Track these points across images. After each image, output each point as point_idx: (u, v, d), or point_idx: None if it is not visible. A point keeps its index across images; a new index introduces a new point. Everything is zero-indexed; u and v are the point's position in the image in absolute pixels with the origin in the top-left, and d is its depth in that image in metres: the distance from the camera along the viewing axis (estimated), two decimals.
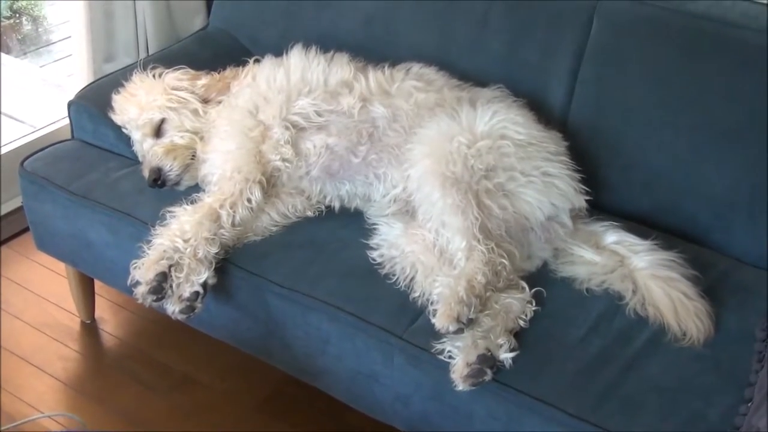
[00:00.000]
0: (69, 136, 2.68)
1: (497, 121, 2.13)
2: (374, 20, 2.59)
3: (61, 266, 2.79)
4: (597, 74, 2.29)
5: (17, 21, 4.93)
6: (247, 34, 2.82)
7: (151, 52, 3.00)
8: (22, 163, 2.51)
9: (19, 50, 4.90)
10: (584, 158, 2.23)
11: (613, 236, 2.11)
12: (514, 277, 2.01)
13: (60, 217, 2.44)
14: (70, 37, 4.85)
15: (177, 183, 2.32)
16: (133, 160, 2.46)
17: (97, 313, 2.78)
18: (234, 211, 2.13)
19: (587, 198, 2.14)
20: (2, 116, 3.86)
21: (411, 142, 2.17)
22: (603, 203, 2.26)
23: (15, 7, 4.85)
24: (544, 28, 2.34)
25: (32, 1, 4.95)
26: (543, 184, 2.08)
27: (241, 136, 2.24)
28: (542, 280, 2.04)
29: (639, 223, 2.20)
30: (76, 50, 3.01)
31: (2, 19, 4.75)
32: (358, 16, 2.62)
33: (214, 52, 2.74)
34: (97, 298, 2.76)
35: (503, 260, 1.99)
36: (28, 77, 4.40)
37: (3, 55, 4.56)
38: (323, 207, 2.28)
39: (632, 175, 2.26)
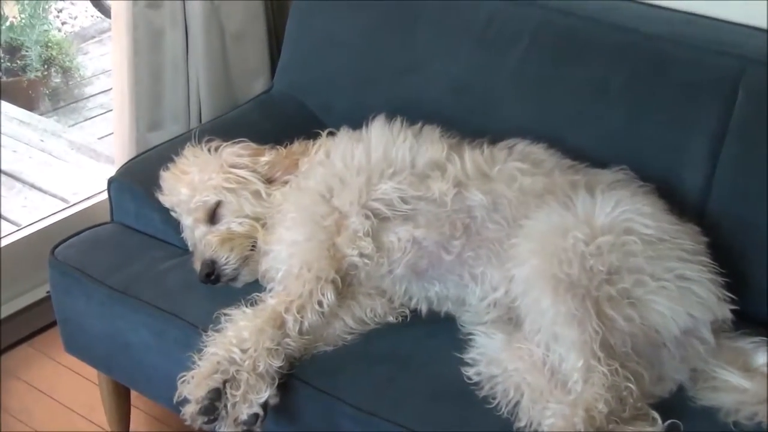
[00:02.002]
0: (106, 216, 2.77)
1: (621, 212, 2.12)
2: (467, 87, 2.64)
3: (91, 371, 2.83)
4: (742, 155, 2.27)
5: (45, 73, 5.12)
6: (318, 101, 2.89)
7: (204, 120, 3.09)
8: (53, 251, 2.58)
9: (47, 106, 5.11)
10: (728, 258, 2.20)
11: (766, 356, 2.06)
12: (642, 404, 1.97)
13: (95, 316, 2.50)
14: (105, 91, 5.12)
15: (234, 279, 2.35)
16: (183, 250, 2.51)
17: (132, 427, 2.81)
18: (302, 317, 2.15)
19: (733, 307, 2.10)
20: (25, 186, 4.01)
21: (515, 236, 2.17)
22: (752, 314, 2.22)
23: (45, 55, 5.05)
24: (675, 100, 2.35)
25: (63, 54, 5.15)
26: (678, 290, 2.05)
27: (312, 225, 2.27)
28: (677, 410, 2.00)
29: None
30: (117, 116, 3.12)
31: (31, 71, 4.94)
32: (447, 82, 2.67)
33: (279, 121, 2.82)
34: (132, 409, 2.79)
35: (629, 384, 1.96)
36: (55, 140, 4.57)
37: (27, 112, 4.75)
38: (408, 311, 2.29)
39: None
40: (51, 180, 4.18)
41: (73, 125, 4.93)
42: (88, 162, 4.43)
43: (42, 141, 4.52)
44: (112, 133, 4.58)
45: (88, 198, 3.48)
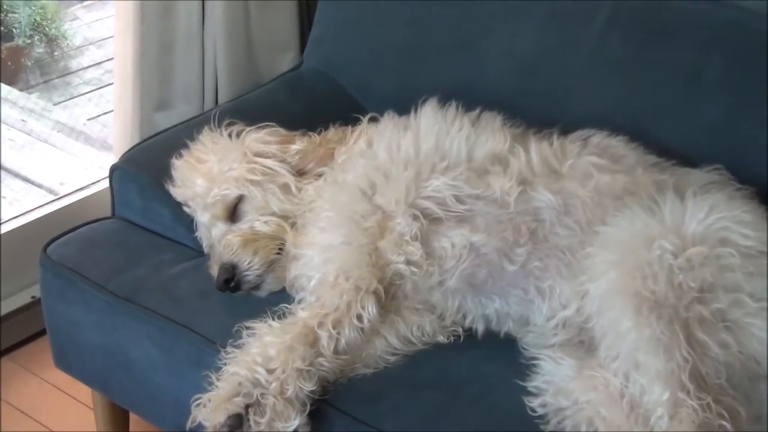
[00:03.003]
0: (101, 210, 2.81)
1: (715, 220, 2.12)
2: (534, 69, 2.66)
3: (85, 391, 2.85)
4: None
5: (28, 42, 5.13)
6: (356, 80, 2.91)
7: (221, 100, 3.11)
8: (45, 249, 2.61)
9: (29, 81, 5.14)
10: None
11: None
12: None
13: (92, 325, 2.52)
14: (96, 64, 5.15)
15: (257, 287, 2.37)
16: (197, 252, 2.54)
17: None
18: (338, 333, 2.15)
19: None
20: (4, 174, 4.04)
21: (590, 244, 2.18)
22: None
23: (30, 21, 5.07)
24: None
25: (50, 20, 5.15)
26: None
27: (351, 227, 2.28)
28: None
29: None
30: (118, 93, 3.14)
31: (19, 35, 4.95)
32: (510, 62, 2.68)
33: (310, 103, 2.85)
34: None
35: (723, 422, 1.95)
36: (39, 120, 4.61)
37: (6, 87, 4.78)
38: (461, 331, 2.30)
39: None
40: (34, 167, 4.21)
41: (59, 103, 4.96)
42: (76, 147, 4.47)
43: (23, 121, 4.56)
44: (104, 113, 4.69)
45: (81, 189, 3.52)
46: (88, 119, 4.75)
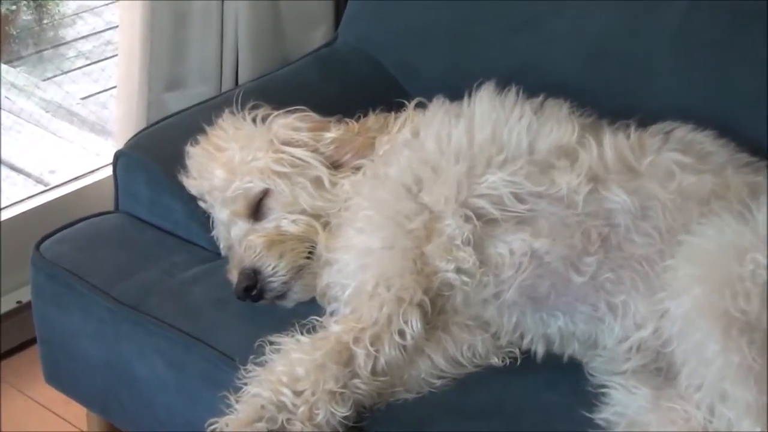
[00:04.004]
0: (100, 204, 2.87)
1: None
2: (606, 52, 2.67)
3: (77, 411, 2.88)
4: None
5: (13, 8, 5.14)
6: (399, 59, 2.93)
7: (241, 80, 3.14)
8: (38, 246, 2.63)
9: (11, 53, 5.16)
10: None
11: None
12: None
13: (91, 336, 2.54)
14: (90, 35, 5.18)
15: (282, 296, 2.39)
16: (213, 253, 2.57)
17: None
18: (377, 351, 2.16)
19: None
20: None
21: (671, 255, 2.18)
22: None
23: None
24: None
25: None
26: None
27: (393, 228, 2.30)
28: None
29: None
30: (124, 69, 3.19)
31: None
32: (578, 44, 2.70)
33: (346, 84, 2.87)
34: None
35: None
36: (25, 98, 4.64)
37: None
38: (518, 352, 2.31)
39: None
40: (19, 152, 4.24)
41: (48, 79, 4.99)
42: (68, 130, 4.50)
43: (8, 99, 4.58)
44: (101, 91, 4.73)
45: (76, 178, 3.55)
46: (83, 98, 4.77)
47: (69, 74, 5.00)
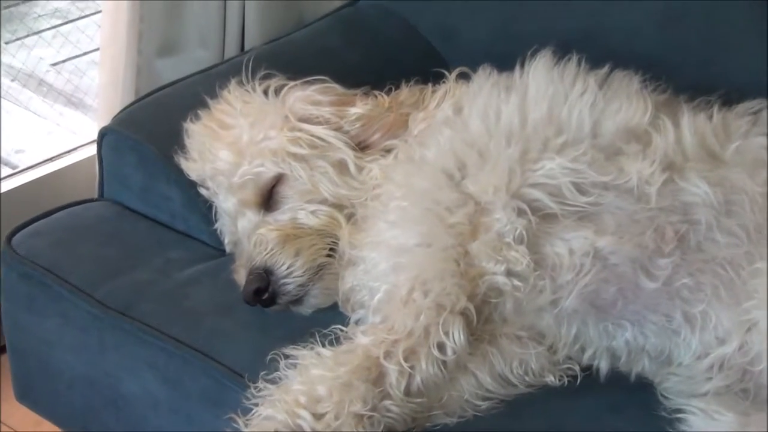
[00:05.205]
0: (80, 190, 2.93)
1: None
2: (683, 16, 2.71)
3: None
4: None
5: None
6: (434, 21, 2.96)
7: (248, 44, 3.15)
8: (8, 240, 2.65)
9: None
10: None
11: None
12: None
13: (71, 347, 2.56)
14: None
15: (299, 300, 2.41)
16: (216, 249, 2.59)
17: None
18: (412, 367, 2.17)
19: None
20: None
21: (761, 258, 2.19)
22: None
23: None
24: None
25: None
26: None
27: (431, 222, 2.30)
28: None
29: None
30: (109, 30, 3.19)
31: None
32: (650, 6, 2.71)
33: (372, 50, 2.90)
34: None
35: None
36: None
37: None
38: (577, 369, 2.32)
39: None
40: None
41: (12, 42, 4.99)
42: (36, 101, 4.51)
43: None
44: (76, 56, 4.72)
45: (49, 160, 3.56)
46: (53, 64, 4.78)
47: (39, 35, 4.98)
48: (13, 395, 2.73)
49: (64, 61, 4.75)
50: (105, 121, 2.87)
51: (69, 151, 3.60)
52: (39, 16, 5.10)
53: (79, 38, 4.84)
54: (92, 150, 3.27)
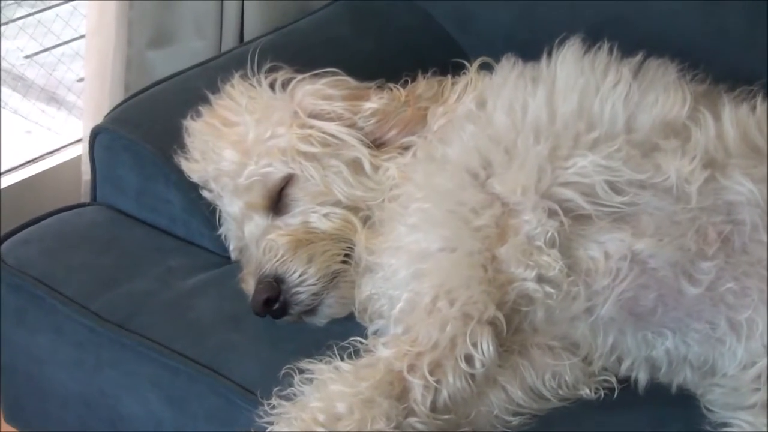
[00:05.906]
0: (68, 194, 2.98)
1: None
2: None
3: None
4: None
5: None
6: (452, 7, 2.98)
7: (248, 34, 3.18)
8: None
9: None
10: None
11: None
12: None
13: (66, 363, 2.58)
14: None
15: (312, 310, 2.44)
16: (221, 257, 2.63)
17: None
18: (437, 381, 2.18)
19: None
20: None
21: None
22: None
23: None
24: None
25: None
26: None
27: (455, 225, 2.33)
28: None
29: None
30: (95, 21, 3.22)
31: None
32: None
33: (385, 39, 2.93)
34: None
35: None
36: None
37: None
38: (614, 381, 2.34)
39: None
40: None
41: None
42: (11, 97, 4.54)
43: None
44: (55, 45, 4.72)
45: (32, 161, 3.59)
46: (27, 56, 4.79)
47: (9, 25, 4.99)
48: (2, 416, 2.75)
49: (38, 53, 4.76)
50: (91, 118, 2.88)
51: (52, 153, 3.63)
52: (13, 3, 5.09)
53: (57, 27, 4.80)
54: (77, 150, 3.31)
